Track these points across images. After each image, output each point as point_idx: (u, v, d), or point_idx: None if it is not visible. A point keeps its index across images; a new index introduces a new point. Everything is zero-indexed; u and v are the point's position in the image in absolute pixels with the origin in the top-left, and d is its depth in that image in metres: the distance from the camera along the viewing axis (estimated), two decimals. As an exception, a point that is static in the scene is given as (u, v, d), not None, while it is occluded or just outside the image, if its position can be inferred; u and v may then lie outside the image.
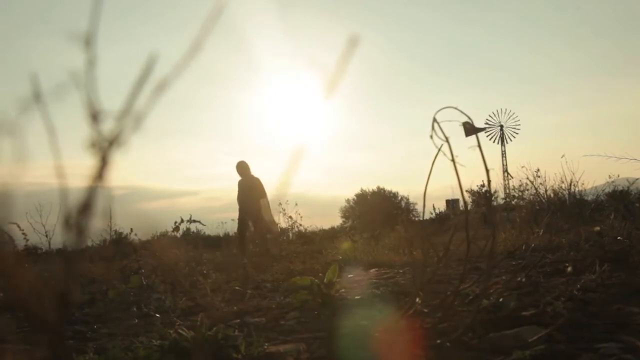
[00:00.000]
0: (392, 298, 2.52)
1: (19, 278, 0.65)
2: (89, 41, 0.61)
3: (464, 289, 1.81)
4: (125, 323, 2.81)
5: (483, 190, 10.57)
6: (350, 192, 35.67)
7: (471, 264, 1.71)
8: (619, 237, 3.58)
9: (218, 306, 2.78)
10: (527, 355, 1.41)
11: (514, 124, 33.65)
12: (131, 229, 5.85)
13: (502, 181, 19.32)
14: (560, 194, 8.96)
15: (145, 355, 1.62)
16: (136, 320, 2.85)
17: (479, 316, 1.75)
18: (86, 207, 0.56)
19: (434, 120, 1.35)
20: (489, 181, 1.48)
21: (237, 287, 3.37)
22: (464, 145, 1.56)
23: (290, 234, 12.53)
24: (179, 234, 5.09)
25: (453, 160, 1.39)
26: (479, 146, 1.42)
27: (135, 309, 3.19)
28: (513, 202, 10.40)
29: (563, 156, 8.72)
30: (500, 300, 1.88)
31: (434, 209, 16.63)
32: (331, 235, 12.97)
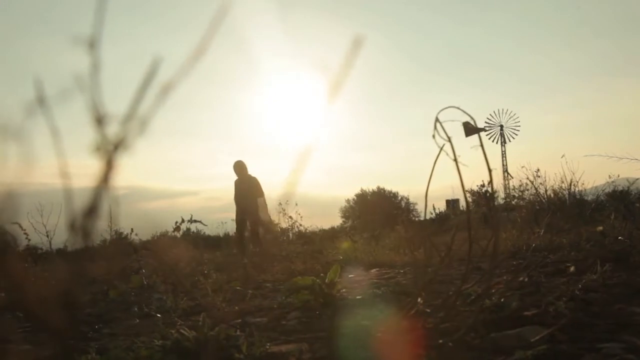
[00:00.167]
0: (394, 298, 2.52)
1: (22, 278, 0.65)
2: (93, 44, 0.61)
3: (466, 289, 1.81)
4: (126, 323, 2.81)
5: (483, 191, 10.57)
6: (350, 192, 35.69)
7: (473, 264, 1.71)
8: (619, 237, 3.58)
9: (219, 306, 2.78)
10: (529, 355, 1.41)
11: (514, 124, 33.70)
12: (132, 229, 5.85)
13: (502, 181, 19.34)
14: (560, 194, 8.96)
15: (147, 355, 1.62)
16: (137, 320, 2.85)
17: (481, 316, 1.75)
18: (92, 210, 0.56)
19: (437, 120, 1.35)
20: (491, 181, 1.48)
21: (238, 287, 3.37)
22: (464, 145, 1.56)
23: (291, 234, 12.53)
24: (179, 234, 5.09)
25: (455, 160, 1.39)
26: (482, 146, 1.42)
27: (136, 309, 3.19)
28: (513, 202, 10.40)
29: (563, 156, 8.73)
30: (502, 300, 1.88)
31: (434, 209, 16.62)
32: (331, 235, 12.97)
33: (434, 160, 1.51)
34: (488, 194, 9.76)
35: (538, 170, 9.26)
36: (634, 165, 6.36)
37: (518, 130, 33.68)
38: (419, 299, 1.76)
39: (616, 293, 2.20)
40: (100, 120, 0.57)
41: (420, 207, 30.84)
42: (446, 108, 1.38)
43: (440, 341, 1.60)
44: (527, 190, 9.66)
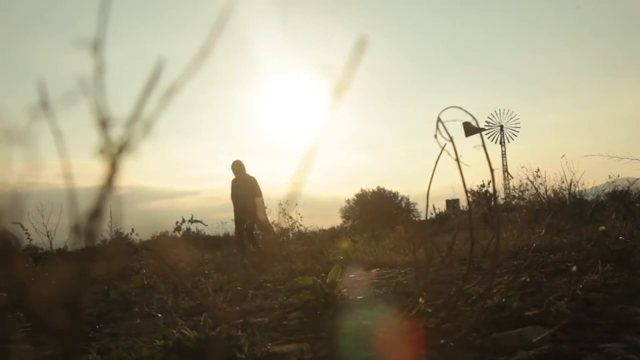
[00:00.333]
0: (395, 298, 2.52)
1: (23, 278, 0.65)
2: (97, 47, 0.61)
3: (467, 288, 1.81)
4: (127, 323, 2.81)
5: (483, 191, 10.57)
6: (350, 192, 35.66)
7: (474, 264, 1.71)
8: (620, 237, 3.58)
9: (220, 306, 2.78)
10: (531, 355, 1.41)
11: (514, 124, 33.69)
12: (132, 229, 5.85)
13: (502, 181, 19.34)
14: (560, 194, 8.95)
15: (148, 355, 1.62)
16: (138, 321, 2.85)
17: (483, 316, 1.75)
18: (96, 213, 0.56)
19: (438, 119, 1.35)
20: (493, 181, 1.48)
21: (238, 287, 3.37)
22: (464, 145, 1.56)
23: (291, 234, 12.54)
24: (179, 234, 5.09)
25: (457, 160, 1.39)
26: (484, 146, 1.42)
27: (137, 309, 3.19)
28: (513, 202, 10.40)
29: (563, 156, 8.73)
30: (504, 300, 1.87)
31: (434, 209, 16.61)
32: (331, 235, 12.97)
33: (434, 160, 1.51)
34: (488, 194, 9.76)
35: (538, 170, 9.27)
36: (634, 165, 6.36)
37: (518, 131, 33.71)
38: (421, 299, 1.76)
39: (618, 293, 2.20)
40: (104, 123, 0.56)
41: (420, 207, 30.85)
42: (448, 108, 1.38)
43: (442, 341, 1.60)
44: (527, 190, 9.67)
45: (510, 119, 33.76)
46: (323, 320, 2.28)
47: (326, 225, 17.57)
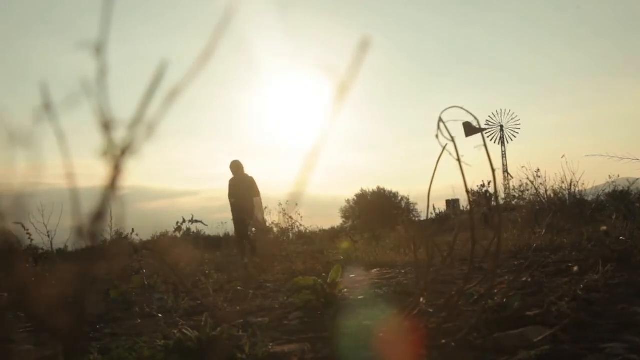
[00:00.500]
0: (395, 298, 2.52)
1: (24, 279, 0.65)
2: (99, 49, 0.60)
3: (468, 288, 1.81)
4: (127, 323, 2.81)
5: (483, 191, 10.57)
6: (350, 192, 35.65)
7: (474, 264, 1.71)
8: (621, 237, 3.58)
9: (221, 306, 2.78)
10: (532, 356, 1.40)
11: (514, 124, 33.69)
12: (132, 229, 5.84)
13: (502, 181, 19.34)
14: (560, 194, 8.95)
15: (149, 355, 1.62)
16: (139, 321, 2.85)
17: (484, 316, 1.74)
18: (99, 215, 0.56)
19: (440, 119, 1.35)
20: (494, 181, 1.48)
21: (239, 287, 3.37)
22: (465, 145, 1.56)
23: (291, 234, 12.54)
24: (179, 234, 5.09)
25: (459, 160, 1.39)
26: (485, 146, 1.41)
27: (137, 309, 3.18)
28: (513, 203, 10.41)
29: (563, 156, 8.72)
30: (505, 300, 1.87)
31: (434, 209, 16.62)
32: (332, 235, 12.98)
33: (435, 160, 1.51)
34: (489, 194, 9.76)
35: (538, 170, 9.28)
36: (634, 165, 6.36)
37: (518, 131, 33.71)
38: (422, 299, 1.76)
39: (618, 293, 2.20)
40: (107, 125, 0.56)
41: (420, 208, 30.84)
42: (449, 108, 1.38)
43: (443, 341, 1.60)
44: (528, 190, 9.68)
45: (511, 119, 33.78)
46: (324, 320, 2.28)
47: (326, 226, 17.60)
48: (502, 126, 33.91)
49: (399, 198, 34.19)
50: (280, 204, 12.40)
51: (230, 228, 15.20)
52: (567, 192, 8.84)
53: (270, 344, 1.73)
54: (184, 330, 1.68)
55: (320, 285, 2.48)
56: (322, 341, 1.87)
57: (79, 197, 0.58)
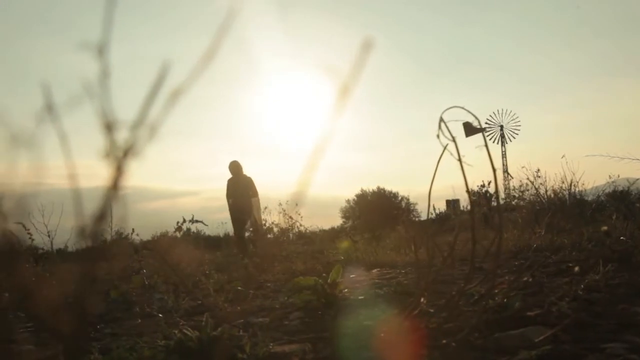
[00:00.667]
0: (396, 298, 2.52)
1: (25, 279, 0.65)
2: (102, 51, 0.60)
3: (469, 289, 1.80)
4: (128, 323, 2.81)
5: (483, 191, 10.57)
6: (350, 192, 35.64)
7: (475, 264, 1.71)
8: (621, 237, 3.58)
9: (221, 306, 2.78)
10: (533, 356, 1.40)
11: (514, 124, 33.70)
12: (132, 229, 5.84)
13: (502, 181, 19.35)
14: (560, 194, 8.95)
15: (150, 355, 1.62)
16: (139, 321, 2.85)
17: (485, 316, 1.74)
18: (101, 217, 0.56)
19: (441, 119, 1.35)
20: (495, 181, 1.48)
21: (239, 288, 3.37)
22: (465, 145, 1.56)
23: (291, 234, 12.54)
24: (180, 234, 5.08)
25: (460, 160, 1.39)
26: (486, 146, 1.41)
27: (137, 309, 3.18)
28: (513, 203, 10.41)
29: (563, 156, 8.73)
30: (505, 300, 1.87)
31: (434, 209, 16.62)
32: (332, 235, 12.98)
33: (435, 161, 1.51)
34: (489, 194, 9.76)
35: (538, 170, 9.28)
36: (634, 166, 6.37)
37: (518, 131, 33.72)
38: (422, 299, 1.76)
39: (619, 293, 2.20)
40: (109, 127, 0.56)
41: (420, 208, 30.83)
42: (450, 108, 1.38)
43: (444, 341, 1.60)
44: (528, 190, 9.68)
45: (511, 119, 33.79)
46: (324, 320, 2.28)
47: (326, 226, 17.61)
48: (502, 126, 33.93)
49: (399, 198, 34.20)
50: (280, 204, 12.42)
51: (230, 228, 15.21)
52: (567, 192, 8.84)
53: (271, 344, 1.73)
54: (185, 330, 1.68)
55: (321, 286, 2.48)
56: (322, 341, 1.87)
57: (81, 197, 0.58)
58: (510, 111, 33.85)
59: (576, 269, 2.35)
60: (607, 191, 9.53)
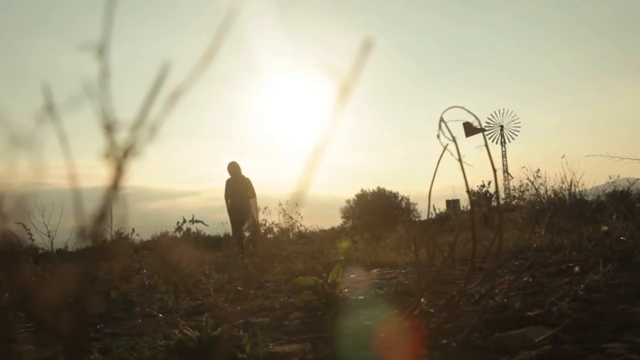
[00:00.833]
0: (396, 298, 2.52)
1: (25, 279, 0.65)
2: (102, 51, 0.60)
3: (469, 289, 1.80)
4: (128, 323, 2.81)
5: (483, 191, 10.57)
6: (350, 192, 35.65)
7: (475, 264, 1.71)
8: (621, 237, 3.58)
9: (221, 306, 2.78)
10: (533, 356, 1.40)
11: (514, 124, 33.72)
12: (132, 229, 5.84)
13: (502, 181, 19.35)
14: (560, 194, 8.95)
15: (150, 355, 1.62)
16: (139, 321, 2.85)
17: (485, 316, 1.74)
18: (102, 217, 0.56)
19: (441, 119, 1.35)
20: (496, 181, 1.48)
21: (239, 288, 3.37)
22: (465, 145, 1.56)
23: (291, 235, 12.54)
24: (180, 234, 5.08)
25: (460, 160, 1.39)
26: (486, 146, 1.41)
27: (138, 309, 3.18)
28: (514, 203, 10.41)
29: (563, 156, 8.73)
30: (506, 300, 1.87)
31: (434, 209, 16.62)
32: (332, 235, 12.98)
33: (435, 161, 1.51)
34: (489, 194, 9.76)
35: (538, 170, 9.28)
36: (634, 166, 6.37)
37: (518, 131, 33.74)
38: (422, 299, 1.76)
39: (619, 293, 2.20)
40: (109, 127, 0.56)
41: (420, 208, 30.84)
42: (450, 108, 1.38)
43: (444, 341, 1.60)
44: (528, 190, 9.68)
45: (511, 119, 33.80)
46: (324, 320, 2.28)
47: (326, 226, 17.61)
48: (502, 126, 33.94)
49: (399, 198, 34.21)
50: (280, 204, 12.42)
51: (230, 228, 15.22)
52: (567, 192, 8.84)
53: (271, 344, 1.73)
54: (185, 330, 1.67)
55: (321, 286, 2.47)
56: (322, 341, 1.87)
57: (81, 197, 0.58)
58: (510, 111, 33.91)
59: (576, 269, 2.35)
60: (607, 191, 9.54)
